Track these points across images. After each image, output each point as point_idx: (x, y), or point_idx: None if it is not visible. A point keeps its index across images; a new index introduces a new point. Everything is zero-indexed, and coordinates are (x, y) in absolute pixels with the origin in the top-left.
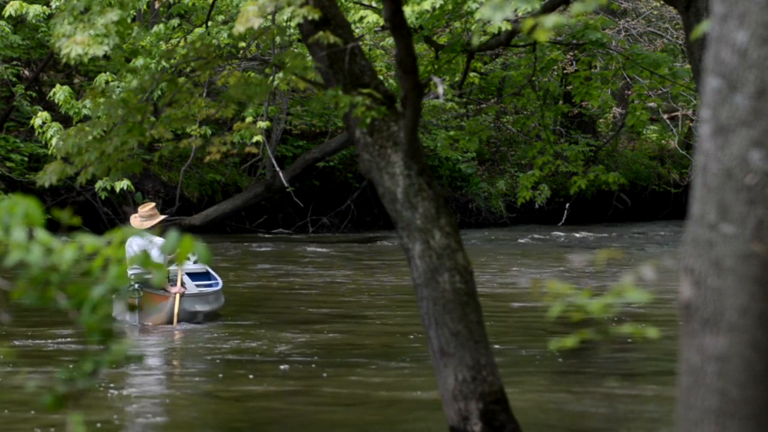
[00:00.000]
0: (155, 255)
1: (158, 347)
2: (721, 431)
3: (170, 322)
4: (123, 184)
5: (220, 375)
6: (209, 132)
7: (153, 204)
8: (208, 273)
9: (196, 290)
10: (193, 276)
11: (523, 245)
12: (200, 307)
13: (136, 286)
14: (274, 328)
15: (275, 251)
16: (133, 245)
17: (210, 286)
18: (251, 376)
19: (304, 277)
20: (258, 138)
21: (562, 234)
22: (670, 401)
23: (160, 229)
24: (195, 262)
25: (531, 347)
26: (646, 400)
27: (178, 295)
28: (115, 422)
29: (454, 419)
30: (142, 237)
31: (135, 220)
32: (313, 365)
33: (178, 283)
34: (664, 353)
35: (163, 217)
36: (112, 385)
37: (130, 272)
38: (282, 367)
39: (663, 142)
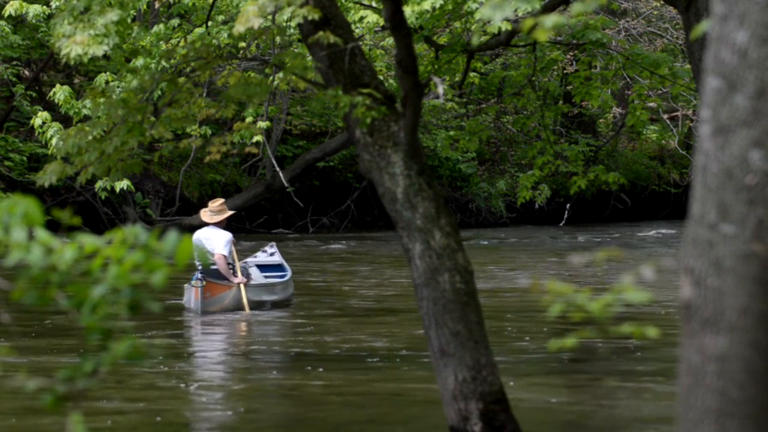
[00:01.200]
0: (219, 248)
1: (220, 338)
2: (721, 431)
3: (239, 309)
4: (123, 184)
5: (278, 366)
6: (209, 132)
7: (222, 200)
8: (281, 265)
9: (262, 281)
10: (268, 268)
11: (524, 245)
12: (267, 297)
13: (199, 276)
14: (330, 320)
15: (298, 250)
16: (201, 237)
17: (282, 277)
18: (308, 368)
19: (344, 274)
20: (258, 138)
21: (562, 234)
22: (670, 401)
23: (223, 224)
24: (272, 255)
25: (531, 347)
26: (646, 399)
27: (242, 285)
28: (183, 414)
29: (454, 419)
30: (211, 230)
31: (204, 214)
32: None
33: (239, 274)
34: (664, 353)
35: (230, 213)
36: (179, 378)
37: (198, 262)
38: (356, 358)
39: (663, 142)
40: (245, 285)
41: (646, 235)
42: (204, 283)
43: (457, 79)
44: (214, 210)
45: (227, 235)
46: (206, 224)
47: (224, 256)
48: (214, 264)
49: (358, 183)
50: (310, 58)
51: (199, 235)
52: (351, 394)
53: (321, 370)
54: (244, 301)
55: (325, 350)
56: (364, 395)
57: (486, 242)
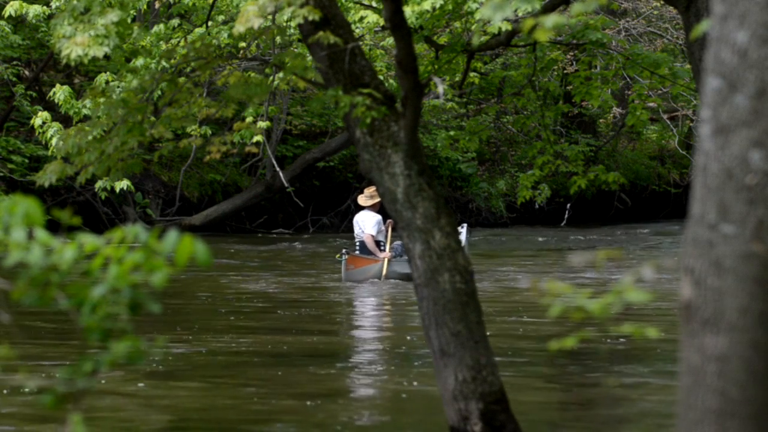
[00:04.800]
0: (368, 228)
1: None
2: (721, 431)
3: (378, 278)
4: (123, 184)
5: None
6: (209, 132)
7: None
8: None
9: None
10: None
11: (524, 245)
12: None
13: (343, 251)
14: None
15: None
16: (357, 219)
17: None
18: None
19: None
20: (258, 138)
21: (562, 234)
22: (670, 401)
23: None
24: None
25: (531, 347)
26: (646, 400)
27: (386, 259)
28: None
29: (454, 419)
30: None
31: (360, 198)
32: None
33: (387, 249)
34: (664, 353)
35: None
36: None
37: (357, 239)
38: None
39: (663, 142)
40: (389, 259)
41: (647, 235)
42: (346, 257)
43: (457, 79)
44: (367, 195)
45: (377, 217)
46: (363, 208)
47: (371, 235)
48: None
49: (358, 183)
50: (310, 58)
51: (356, 217)
52: (350, 393)
53: (318, 368)
54: (383, 272)
55: (323, 349)
56: (363, 394)
57: (486, 242)
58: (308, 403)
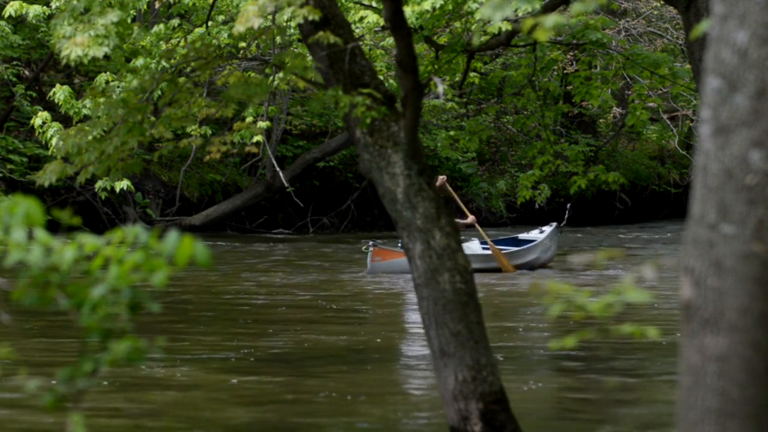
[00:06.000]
0: None
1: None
2: (721, 431)
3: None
4: (123, 184)
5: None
6: (209, 132)
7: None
8: (530, 241)
9: (471, 251)
10: (522, 242)
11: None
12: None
13: (370, 243)
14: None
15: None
16: None
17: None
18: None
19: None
20: (258, 138)
21: (562, 233)
22: (670, 401)
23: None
24: (541, 232)
25: (531, 347)
26: (646, 400)
27: None
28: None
29: (454, 419)
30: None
31: None
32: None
33: None
34: (664, 353)
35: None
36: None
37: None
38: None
39: (663, 142)
40: None
41: (646, 235)
42: (372, 248)
43: (457, 79)
44: None
45: None
46: None
47: None
48: None
49: (358, 183)
50: (310, 58)
51: None
52: (350, 393)
53: (317, 369)
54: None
55: (324, 349)
56: (363, 395)
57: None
58: (364, 398)
